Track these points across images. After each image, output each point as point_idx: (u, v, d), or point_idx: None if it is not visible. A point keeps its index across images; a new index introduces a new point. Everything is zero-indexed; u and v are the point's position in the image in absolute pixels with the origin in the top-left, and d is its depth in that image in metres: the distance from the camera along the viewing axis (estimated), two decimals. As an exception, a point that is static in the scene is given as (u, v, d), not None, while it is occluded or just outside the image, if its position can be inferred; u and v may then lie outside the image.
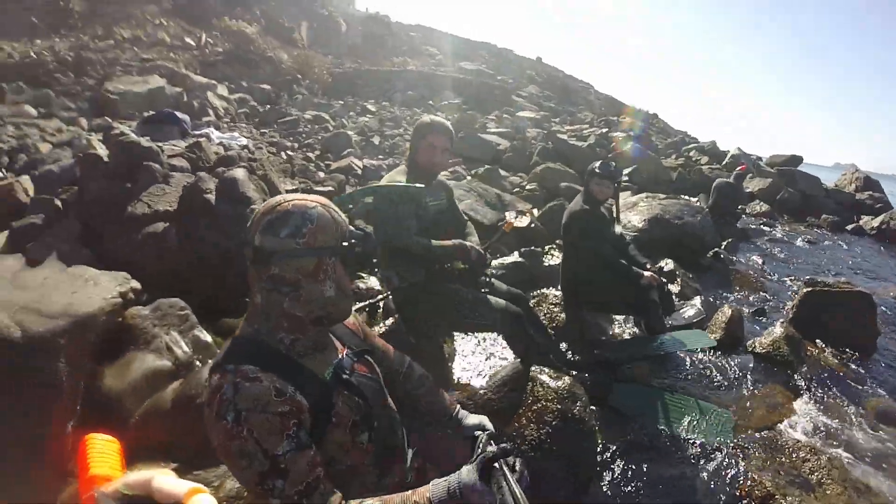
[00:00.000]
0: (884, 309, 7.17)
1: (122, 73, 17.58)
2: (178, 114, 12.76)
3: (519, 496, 1.26)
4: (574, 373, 4.00)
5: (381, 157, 11.03)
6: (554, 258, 6.97)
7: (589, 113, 23.79)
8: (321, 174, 9.18)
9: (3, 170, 8.59)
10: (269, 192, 6.15)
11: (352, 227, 1.63)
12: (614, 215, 5.13)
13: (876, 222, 14.52)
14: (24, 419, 2.97)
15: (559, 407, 3.23)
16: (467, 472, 1.38)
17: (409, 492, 1.44)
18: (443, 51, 26.66)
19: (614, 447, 3.60)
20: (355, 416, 1.60)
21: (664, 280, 5.17)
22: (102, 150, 7.82)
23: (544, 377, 3.40)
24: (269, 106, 17.85)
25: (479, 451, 1.48)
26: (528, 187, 10.55)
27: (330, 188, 8.32)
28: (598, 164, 4.72)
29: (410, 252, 3.33)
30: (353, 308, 4.62)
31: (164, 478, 1.36)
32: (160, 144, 7.71)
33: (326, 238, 1.54)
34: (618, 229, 4.99)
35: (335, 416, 1.54)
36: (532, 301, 5.24)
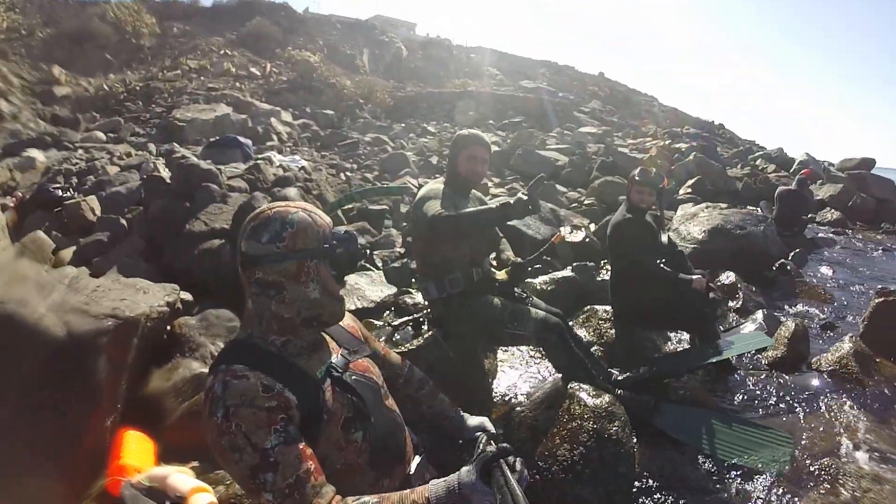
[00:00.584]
0: None
1: (190, 102, 18.44)
2: (241, 138, 13.22)
3: (519, 496, 1.26)
4: (619, 391, 3.73)
5: (436, 175, 11.10)
6: (608, 273, 6.73)
7: (653, 126, 23.47)
8: None
9: (73, 190, 9.07)
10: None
11: (337, 229, 1.69)
12: (660, 224, 5.03)
13: (963, 229, 13.48)
14: (64, 413, 3.11)
15: (595, 426, 3.04)
16: (467, 473, 1.39)
17: (408, 490, 1.46)
18: (503, 70, 26.84)
19: (655, 474, 3.33)
20: (348, 413, 1.62)
21: (714, 286, 5.02)
22: (166, 173, 8.19)
23: (583, 394, 3.22)
24: (330, 130, 18.17)
25: (479, 451, 1.50)
26: (586, 202, 10.52)
27: (385, 206, 8.46)
28: (637, 170, 4.72)
29: (457, 236, 3.28)
30: (395, 323, 4.78)
31: (178, 475, 1.75)
32: (220, 167, 8.03)
33: (307, 241, 1.59)
34: (664, 238, 4.86)
35: (326, 413, 1.56)
36: (581, 317, 5.18)
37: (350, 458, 1.62)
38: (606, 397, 3.23)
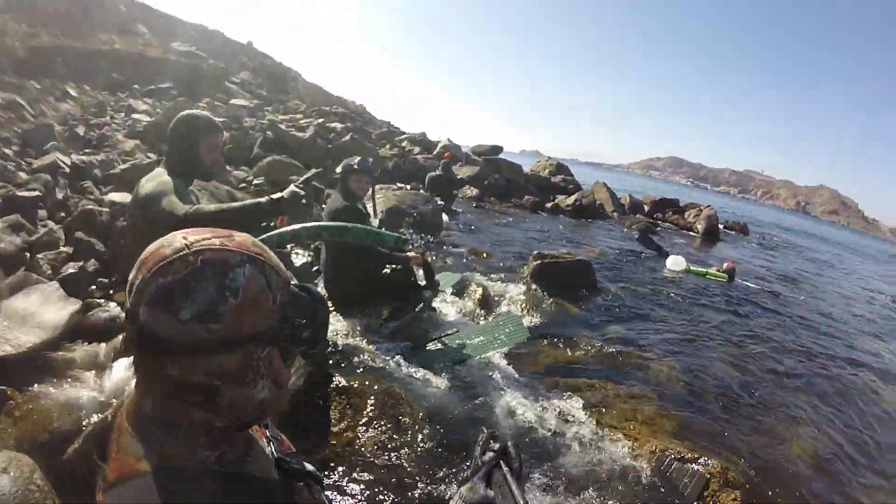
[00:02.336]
0: (595, 266, 8.87)
1: None
2: None
3: (518, 497, 1.21)
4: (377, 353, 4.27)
5: (88, 150, 9.76)
6: (300, 257, 6.93)
7: (299, 101, 23.51)
8: (23, 174, 7.67)
9: None
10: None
11: (295, 288, 1.03)
12: (371, 210, 5.26)
13: (570, 200, 17.65)
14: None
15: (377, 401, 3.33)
16: (470, 490, 1.25)
17: None
18: (153, 29, 24.46)
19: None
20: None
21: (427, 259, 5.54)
22: None
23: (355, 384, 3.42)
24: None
25: (480, 452, 1.36)
26: (255, 182, 9.97)
27: (36, 192, 7.10)
28: (356, 159, 4.75)
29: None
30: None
31: None
32: None
33: (258, 319, 0.93)
34: (375, 222, 5.10)
35: None
36: None
37: None
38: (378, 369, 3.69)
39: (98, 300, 4.75)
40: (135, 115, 13.00)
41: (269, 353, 0.96)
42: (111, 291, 5.00)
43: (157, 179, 2.98)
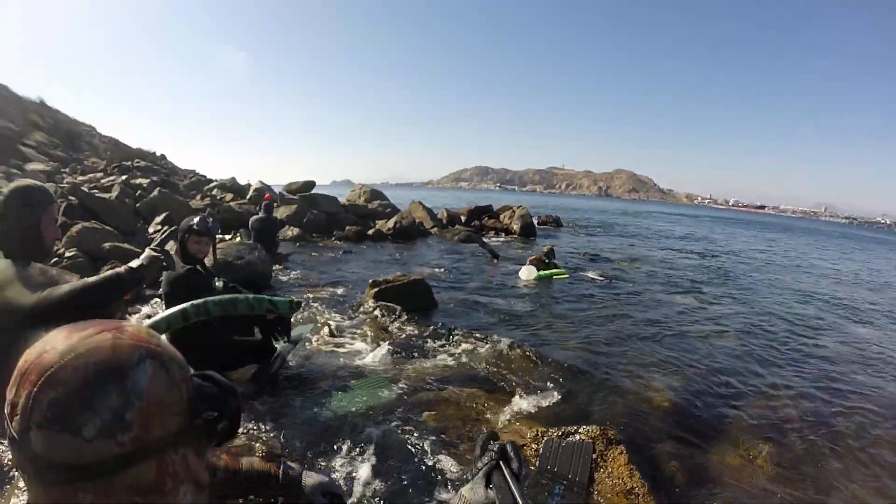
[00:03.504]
0: (433, 283, 9.32)
1: None
2: None
3: (518, 497, 1.16)
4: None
5: None
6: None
7: (97, 159, 21.85)
8: None
9: None
10: None
11: (197, 379, 0.93)
12: (211, 270, 4.84)
13: (391, 224, 18.07)
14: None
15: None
16: (470, 491, 1.25)
17: None
18: None
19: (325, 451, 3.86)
20: None
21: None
22: None
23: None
24: None
25: (479, 453, 1.32)
26: (67, 255, 9.12)
27: None
28: (196, 219, 4.31)
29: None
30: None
31: None
32: None
33: (169, 420, 0.81)
34: (219, 284, 4.60)
35: None
36: None
37: None
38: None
39: None
40: None
41: (183, 454, 0.85)
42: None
43: None
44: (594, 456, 3.64)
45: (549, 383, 5.49)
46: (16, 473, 2.99)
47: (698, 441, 4.57)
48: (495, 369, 5.76)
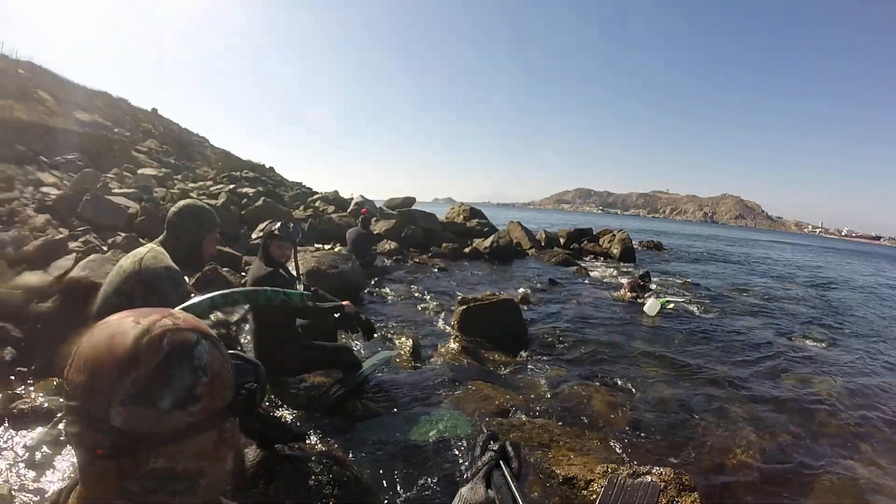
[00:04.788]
0: (522, 307, 8.98)
1: None
2: None
3: (518, 497, 1.17)
4: (308, 432, 4.03)
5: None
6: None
7: (208, 168, 22.92)
8: None
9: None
10: None
11: (234, 354, 1.04)
12: (295, 274, 5.12)
13: (487, 242, 17.88)
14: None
15: (331, 476, 3.19)
16: (470, 491, 1.23)
17: None
18: (56, 97, 23.42)
19: (393, 480, 3.74)
20: None
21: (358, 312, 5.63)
22: None
23: (296, 453, 3.31)
24: None
25: (479, 452, 1.32)
26: None
27: None
28: (277, 225, 4.65)
29: None
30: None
31: None
32: None
33: (226, 392, 0.94)
34: (300, 287, 4.84)
35: None
36: None
37: None
38: (320, 447, 3.50)
39: (17, 392, 4.43)
40: (43, 189, 12.49)
41: (233, 423, 0.97)
42: (30, 381, 4.66)
43: (164, 264, 2.97)
44: (663, 499, 3.41)
45: (629, 420, 5.28)
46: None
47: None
48: (576, 401, 5.59)
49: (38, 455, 3.65)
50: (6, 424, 4.01)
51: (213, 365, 0.91)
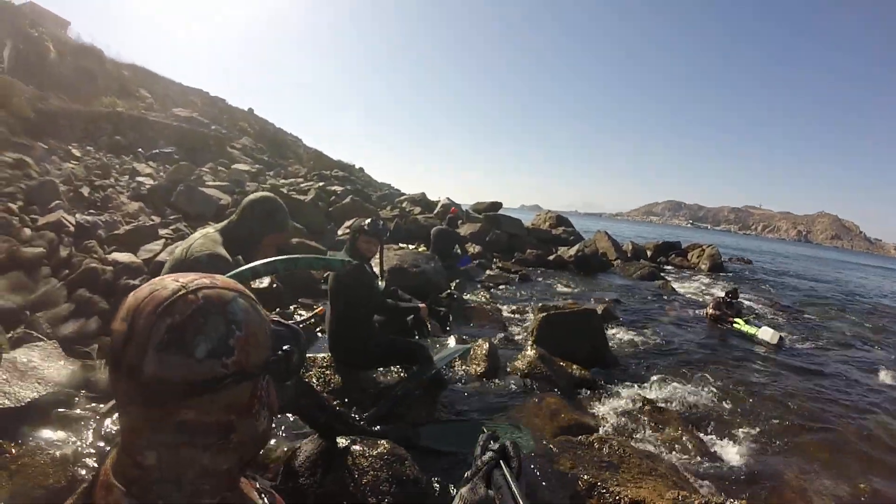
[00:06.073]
0: (605, 322, 8.73)
1: None
2: None
3: (519, 497, 1.15)
4: (377, 427, 4.05)
5: (93, 211, 9.78)
6: (300, 317, 6.91)
7: (300, 166, 23.57)
8: (28, 231, 7.69)
9: None
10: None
11: (274, 320, 1.06)
12: (378, 271, 5.25)
13: (572, 251, 17.69)
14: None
15: (390, 473, 3.14)
16: (470, 492, 1.21)
17: None
18: (155, 94, 24.55)
19: (449, 488, 3.60)
20: None
21: (440, 309, 5.48)
22: None
23: (357, 447, 3.24)
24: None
25: (479, 452, 1.31)
26: None
27: (40, 248, 7.12)
28: (367, 221, 4.74)
29: None
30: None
31: None
32: None
33: (260, 350, 0.94)
34: (381, 284, 5.05)
35: None
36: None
37: None
38: (384, 443, 3.31)
39: (99, 360, 4.71)
40: (139, 178, 13.05)
41: (267, 381, 0.99)
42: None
43: (209, 251, 2.88)
44: None
45: (707, 452, 5.08)
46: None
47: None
48: (652, 426, 5.38)
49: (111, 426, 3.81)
50: (84, 393, 4.19)
51: (249, 322, 0.92)
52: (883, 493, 4.85)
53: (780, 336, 10.04)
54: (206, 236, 2.96)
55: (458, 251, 11.99)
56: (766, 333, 10.07)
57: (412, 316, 5.07)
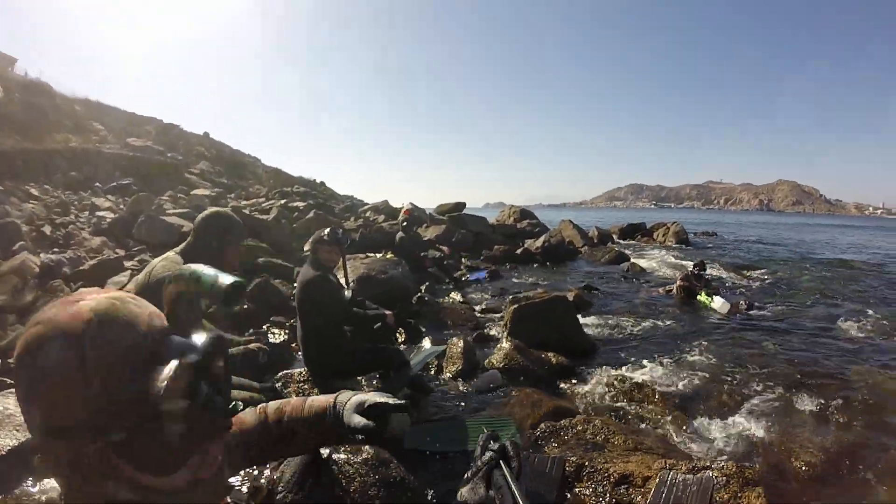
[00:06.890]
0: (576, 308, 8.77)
1: None
2: None
3: (518, 497, 1.14)
4: (359, 437, 4.07)
5: (56, 249, 9.73)
6: (278, 336, 6.98)
7: (260, 186, 23.61)
8: None
9: None
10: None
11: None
12: (344, 282, 5.30)
13: (539, 243, 17.95)
14: None
15: (377, 477, 3.16)
16: (470, 492, 1.22)
17: None
18: (108, 126, 24.22)
19: (434, 489, 3.63)
20: None
21: (409, 320, 5.54)
22: None
23: (341, 455, 3.24)
24: None
25: (479, 452, 1.30)
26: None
27: (1, 296, 7.10)
28: (326, 231, 4.81)
29: None
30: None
31: None
32: None
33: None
34: (348, 293, 5.03)
35: None
36: (278, 383, 5.05)
37: None
38: (368, 448, 3.31)
39: None
40: (99, 213, 12.99)
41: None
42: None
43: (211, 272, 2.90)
44: (725, 495, 3.22)
45: (691, 422, 5.18)
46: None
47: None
48: (634, 404, 5.50)
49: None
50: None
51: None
52: (866, 439, 4.99)
53: (730, 305, 10.30)
54: (166, 258, 3.02)
55: (424, 255, 12.08)
56: (717, 303, 10.40)
57: (379, 324, 5.08)
